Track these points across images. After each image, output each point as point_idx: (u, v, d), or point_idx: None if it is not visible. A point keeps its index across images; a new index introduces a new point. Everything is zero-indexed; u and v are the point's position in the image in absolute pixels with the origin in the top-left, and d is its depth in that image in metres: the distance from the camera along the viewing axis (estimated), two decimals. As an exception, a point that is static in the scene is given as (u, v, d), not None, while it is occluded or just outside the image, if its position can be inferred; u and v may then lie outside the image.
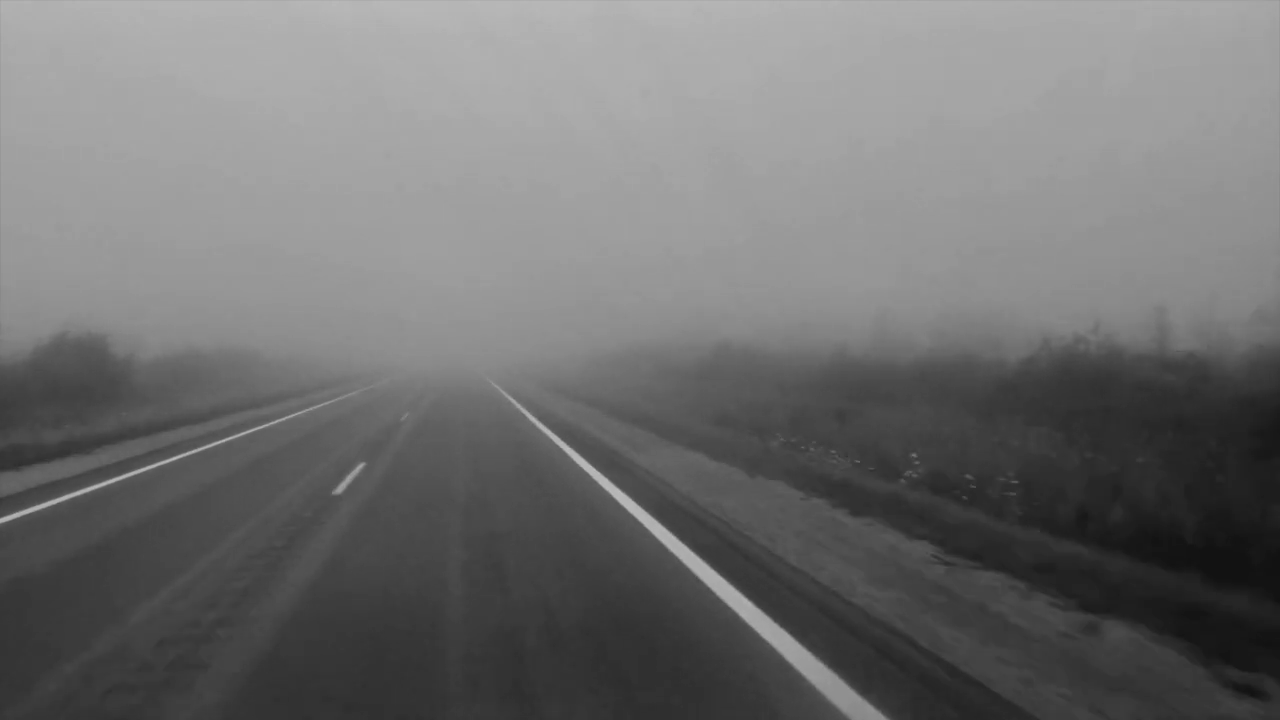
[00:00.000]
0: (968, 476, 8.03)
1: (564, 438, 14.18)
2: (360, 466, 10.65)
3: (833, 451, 10.93)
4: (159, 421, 17.36)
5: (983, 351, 22.80)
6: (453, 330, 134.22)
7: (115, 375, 24.17)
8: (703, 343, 46.18)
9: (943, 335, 41.46)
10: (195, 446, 13.76)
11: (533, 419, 18.49)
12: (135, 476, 10.32)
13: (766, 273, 68.81)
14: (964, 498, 7.70)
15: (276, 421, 19.09)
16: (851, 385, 21.73)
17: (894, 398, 19.25)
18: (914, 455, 9.22)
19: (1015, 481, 7.49)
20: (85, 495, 8.92)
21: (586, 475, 9.78)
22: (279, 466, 11.09)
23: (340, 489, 8.91)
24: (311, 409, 23.91)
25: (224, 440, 14.79)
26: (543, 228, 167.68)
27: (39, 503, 8.41)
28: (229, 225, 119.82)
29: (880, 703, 3.23)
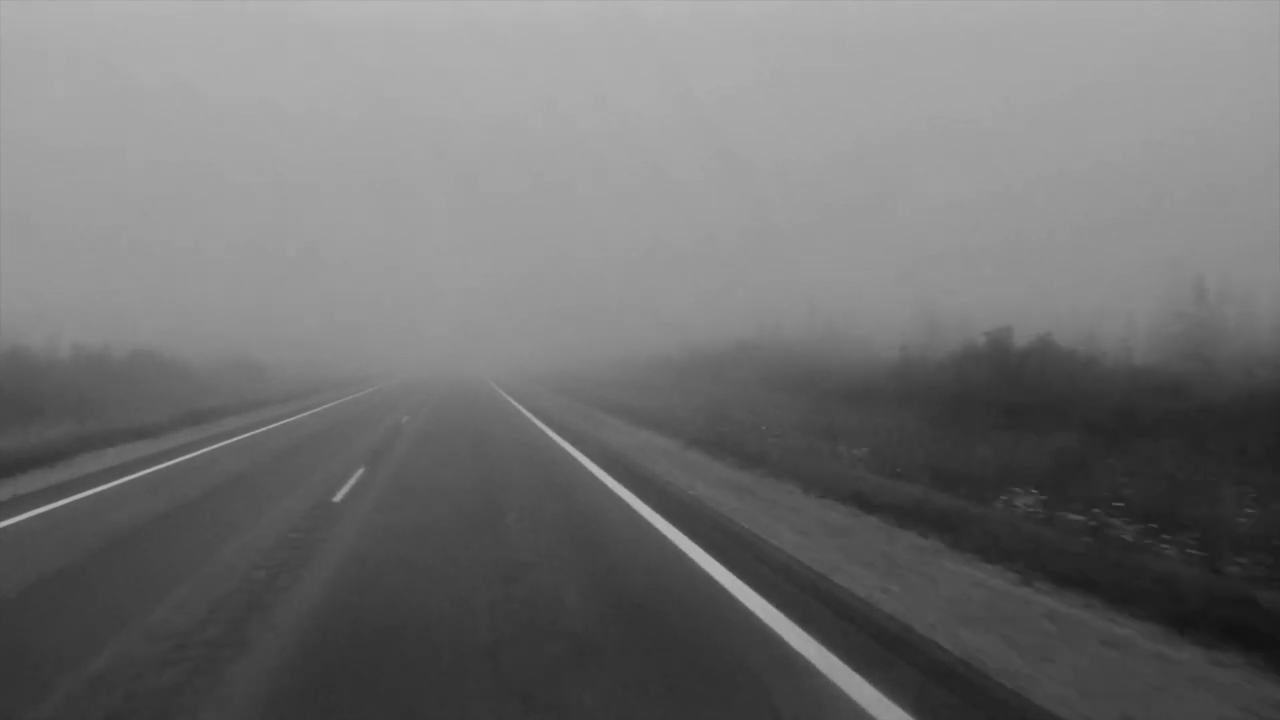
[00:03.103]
0: None
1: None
2: None
3: None
4: None
5: None
6: (456, 331, 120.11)
7: None
8: (772, 346, 32.26)
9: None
10: None
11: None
12: None
13: (770, 268, 56.90)
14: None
15: None
16: None
17: None
18: None
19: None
20: None
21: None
22: None
23: None
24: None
25: None
26: (547, 228, 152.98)
27: None
28: (225, 224, 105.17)
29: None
